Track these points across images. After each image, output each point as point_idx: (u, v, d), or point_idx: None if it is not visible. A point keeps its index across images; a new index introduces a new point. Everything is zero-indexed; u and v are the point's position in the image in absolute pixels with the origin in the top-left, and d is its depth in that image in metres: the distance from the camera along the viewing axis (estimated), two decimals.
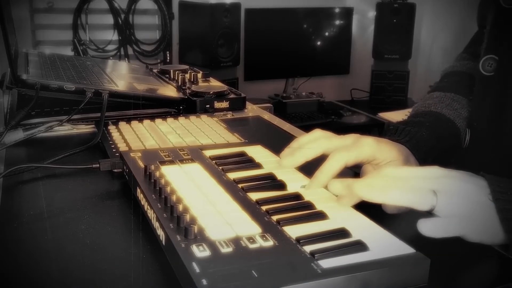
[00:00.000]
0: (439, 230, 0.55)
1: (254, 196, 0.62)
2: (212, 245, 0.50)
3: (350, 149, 0.68)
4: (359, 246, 0.50)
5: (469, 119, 0.86)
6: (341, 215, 0.58)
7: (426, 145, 0.79)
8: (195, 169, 0.70)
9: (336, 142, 0.69)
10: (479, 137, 0.81)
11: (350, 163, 0.68)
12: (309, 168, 0.69)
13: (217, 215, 0.56)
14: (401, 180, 0.59)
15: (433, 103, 0.89)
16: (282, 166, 0.69)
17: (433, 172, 0.60)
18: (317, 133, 0.72)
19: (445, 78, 0.97)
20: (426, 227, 0.55)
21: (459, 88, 0.91)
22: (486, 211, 0.57)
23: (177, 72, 1.30)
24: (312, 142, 0.69)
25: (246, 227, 0.54)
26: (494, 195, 0.58)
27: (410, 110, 0.95)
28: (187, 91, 1.16)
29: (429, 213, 0.58)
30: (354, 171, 0.78)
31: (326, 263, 0.47)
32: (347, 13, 3.28)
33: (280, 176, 0.68)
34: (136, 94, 1.08)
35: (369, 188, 0.57)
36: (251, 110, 1.18)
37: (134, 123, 0.99)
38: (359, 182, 0.57)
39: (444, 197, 0.57)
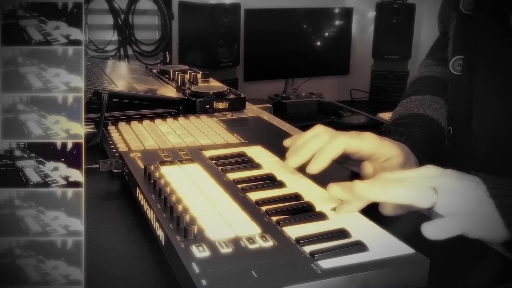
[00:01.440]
0: (443, 232, 0.55)
1: (254, 196, 0.62)
2: (211, 246, 0.50)
3: (352, 137, 0.69)
4: (359, 246, 0.50)
5: (448, 118, 0.87)
6: (341, 216, 0.58)
7: (421, 144, 0.80)
8: (195, 169, 0.70)
9: (338, 134, 0.70)
10: (458, 135, 0.83)
11: (351, 149, 0.68)
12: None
13: (216, 216, 0.56)
14: (400, 180, 0.59)
15: (415, 105, 0.91)
16: (288, 165, 0.69)
17: (430, 171, 0.61)
18: (319, 128, 0.72)
19: (417, 83, 0.99)
20: (429, 231, 0.55)
21: (434, 90, 0.94)
22: (485, 207, 0.58)
23: (176, 72, 1.30)
24: (314, 138, 0.69)
25: (246, 228, 0.54)
26: (492, 191, 0.58)
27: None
28: (187, 91, 1.16)
29: (427, 216, 0.58)
30: (352, 170, 0.78)
31: (326, 263, 0.48)
32: (347, 13, 3.27)
33: (280, 176, 0.68)
34: (135, 94, 1.08)
35: (369, 187, 0.57)
36: (251, 110, 1.18)
37: (134, 124, 1.00)
38: (359, 181, 0.57)
39: (445, 194, 0.57)
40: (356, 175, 0.77)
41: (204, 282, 0.44)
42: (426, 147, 0.81)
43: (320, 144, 0.68)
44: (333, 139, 0.68)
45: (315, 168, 0.66)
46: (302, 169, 0.70)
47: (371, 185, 0.57)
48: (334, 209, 0.60)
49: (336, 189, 0.59)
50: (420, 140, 0.80)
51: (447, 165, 0.63)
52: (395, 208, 0.62)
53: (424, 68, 1.01)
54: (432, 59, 1.01)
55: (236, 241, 0.51)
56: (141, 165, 0.71)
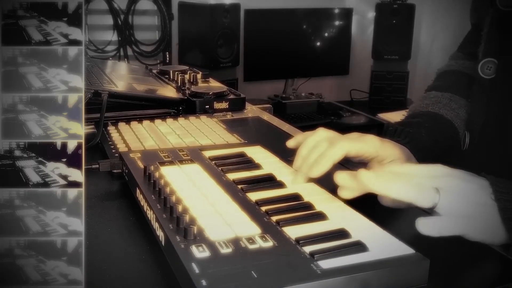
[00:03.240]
0: (437, 229, 0.56)
1: (254, 196, 0.62)
2: (211, 246, 0.50)
3: (353, 140, 0.69)
4: (359, 246, 0.50)
5: (468, 121, 0.85)
6: (341, 216, 0.58)
7: (425, 146, 0.80)
8: (195, 169, 0.70)
9: (339, 138, 0.70)
10: (480, 140, 0.81)
11: (353, 153, 0.68)
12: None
13: (216, 216, 0.56)
14: (406, 176, 0.60)
15: (431, 103, 0.89)
16: (296, 182, 0.67)
17: (437, 171, 0.61)
18: (321, 132, 0.72)
19: (442, 77, 0.96)
20: (423, 225, 0.55)
21: (456, 88, 0.91)
22: (488, 211, 0.58)
23: (176, 72, 1.30)
24: (315, 148, 0.69)
25: (246, 228, 0.54)
26: (496, 195, 0.58)
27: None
28: (187, 91, 1.16)
29: (428, 213, 0.58)
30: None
31: (326, 263, 0.48)
32: (347, 13, 3.27)
33: (279, 176, 0.68)
34: (135, 94, 1.08)
35: (374, 178, 0.57)
36: (251, 110, 1.18)
37: (134, 124, 0.99)
38: (366, 171, 0.58)
39: (447, 195, 0.57)
40: None
41: (204, 282, 0.44)
42: (429, 150, 0.80)
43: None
44: (334, 143, 0.67)
45: (315, 173, 0.66)
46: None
47: (376, 177, 0.57)
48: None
49: (342, 176, 0.61)
50: (424, 143, 0.80)
51: (460, 167, 0.62)
52: (393, 201, 0.62)
53: (453, 60, 0.98)
54: (463, 52, 0.97)
55: (236, 241, 0.51)
56: (141, 165, 0.71)
